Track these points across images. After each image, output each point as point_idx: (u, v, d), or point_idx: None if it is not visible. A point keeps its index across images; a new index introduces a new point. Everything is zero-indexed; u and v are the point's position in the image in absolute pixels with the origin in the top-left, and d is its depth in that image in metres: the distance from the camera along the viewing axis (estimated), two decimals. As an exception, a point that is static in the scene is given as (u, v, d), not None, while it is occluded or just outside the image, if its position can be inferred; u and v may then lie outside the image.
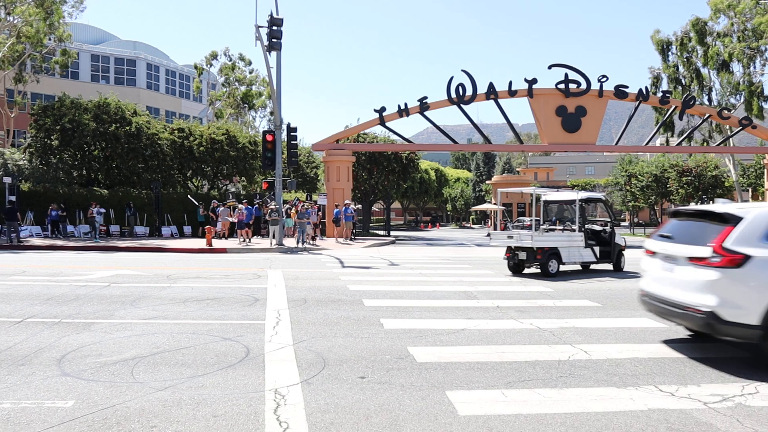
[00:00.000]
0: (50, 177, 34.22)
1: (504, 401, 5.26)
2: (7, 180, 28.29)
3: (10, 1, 34.63)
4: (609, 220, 17.88)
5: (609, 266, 17.39)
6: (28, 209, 30.10)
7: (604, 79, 33.87)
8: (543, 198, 18.42)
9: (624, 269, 17.02)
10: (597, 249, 16.54)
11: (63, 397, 5.23)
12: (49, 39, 41.39)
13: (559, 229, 17.27)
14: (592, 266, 17.52)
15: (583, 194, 17.13)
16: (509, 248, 15.73)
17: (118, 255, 21.37)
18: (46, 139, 32.09)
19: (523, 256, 15.39)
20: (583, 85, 33.75)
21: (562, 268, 16.68)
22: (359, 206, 35.43)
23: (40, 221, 30.08)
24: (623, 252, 17.21)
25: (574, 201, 17.13)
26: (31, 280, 13.25)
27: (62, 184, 33.14)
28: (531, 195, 18.01)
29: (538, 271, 15.65)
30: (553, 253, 15.34)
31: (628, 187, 52.52)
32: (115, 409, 4.93)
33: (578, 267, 17.28)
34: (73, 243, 25.30)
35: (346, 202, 31.80)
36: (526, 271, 16.07)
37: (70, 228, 29.89)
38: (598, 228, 17.34)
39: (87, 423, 4.61)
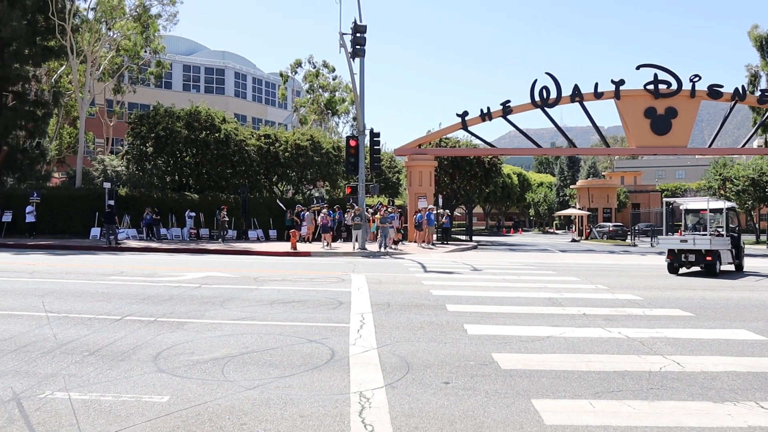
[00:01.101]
0: (145, 182, 35.91)
1: (592, 412, 5.12)
2: (107, 185, 29.93)
3: (111, 17, 36.62)
4: (736, 225, 19.61)
5: (732, 267, 18.88)
6: (125, 213, 31.67)
7: (697, 78, 32.46)
8: (683, 207, 20.15)
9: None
10: (733, 251, 18.42)
11: (159, 392, 5.47)
12: (145, 51, 43.51)
13: (710, 235, 18.27)
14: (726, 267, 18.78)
15: (728, 203, 19.40)
16: (671, 251, 17.50)
17: (208, 257, 22.16)
18: (141, 147, 33.74)
19: (692, 258, 17.11)
20: (674, 86, 32.48)
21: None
22: (447, 211, 35.28)
23: (136, 224, 31.58)
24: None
25: (720, 209, 19.21)
26: (129, 280, 13.94)
27: (156, 189, 34.70)
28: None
29: (701, 270, 17.61)
30: (718, 256, 17.18)
31: (722, 192, 50.01)
32: (207, 405, 5.12)
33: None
34: (165, 245, 26.44)
35: (430, 207, 31.79)
36: (683, 271, 17.92)
37: (163, 231, 31.25)
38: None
39: (181, 418, 4.80)
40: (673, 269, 17.70)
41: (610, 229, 51.19)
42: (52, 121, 41.45)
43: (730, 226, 19.13)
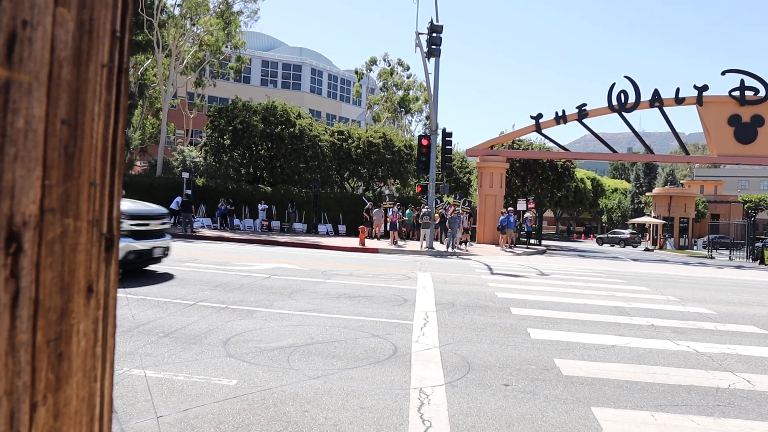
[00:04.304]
0: (221, 173, 37.03)
1: (653, 424, 5.04)
2: (185, 175, 31.02)
3: (195, 13, 37.91)
4: None
5: None
6: (201, 202, 32.76)
7: (788, 85, 30.98)
8: None
9: None
10: None
11: (227, 375, 5.71)
12: (227, 47, 44.79)
13: None
14: None
15: None
16: None
17: (278, 249, 22.69)
18: (219, 139, 34.81)
19: None
20: (762, 92, 31.05)
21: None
22: (528, 214, 34.89)
23: (211, 214, 32.62)
24: None
25: None
26: (202, 267, 14.47)
27: (231, 181, 35.73)
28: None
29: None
30: None
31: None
32: (272, 391, 5.32)
33: None
34: (238, 235, 27.21)
35: (510, 209, 31.67)
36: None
37: (236, 221, 32.16)
38: None
39: (247, 401, 5.01)
40: None
41: (628, 236, 51.76)
42: (137, 112, 43.25)
43: None
